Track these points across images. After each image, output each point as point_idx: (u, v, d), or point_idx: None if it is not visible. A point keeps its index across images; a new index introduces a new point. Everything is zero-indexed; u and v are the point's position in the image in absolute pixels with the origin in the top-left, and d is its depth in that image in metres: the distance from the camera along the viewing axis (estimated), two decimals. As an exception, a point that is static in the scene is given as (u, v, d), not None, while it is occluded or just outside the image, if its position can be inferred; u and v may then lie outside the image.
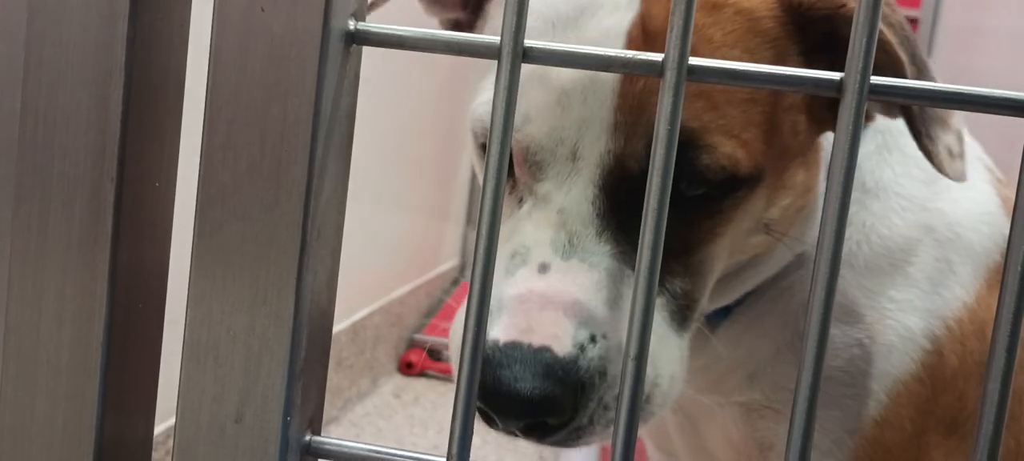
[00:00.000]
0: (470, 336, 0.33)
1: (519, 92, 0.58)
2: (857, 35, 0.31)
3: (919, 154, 0.59)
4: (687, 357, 0.60)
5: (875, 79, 0.31)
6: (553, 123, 0.57)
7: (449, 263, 2.74)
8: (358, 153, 0.37)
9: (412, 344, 2.38)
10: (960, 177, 0.59)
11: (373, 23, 0.34)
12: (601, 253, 0.56)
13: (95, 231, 0.35)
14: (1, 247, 0.35)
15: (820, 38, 0.61)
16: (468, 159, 2.74)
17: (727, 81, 0.33)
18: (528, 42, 0.32)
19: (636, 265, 0.33)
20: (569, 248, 0.56)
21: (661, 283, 0.58)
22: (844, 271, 0.68)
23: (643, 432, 0.87)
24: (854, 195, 0.68)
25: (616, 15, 0.58)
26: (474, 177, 2.74)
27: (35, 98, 0.34)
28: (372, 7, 0.72)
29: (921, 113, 0.58)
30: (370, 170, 2.01)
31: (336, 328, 1.94)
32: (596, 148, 0.57)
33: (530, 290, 0.55)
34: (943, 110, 0.59)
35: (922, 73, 0.59)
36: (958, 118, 0.60)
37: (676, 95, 0.31)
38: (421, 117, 2.36)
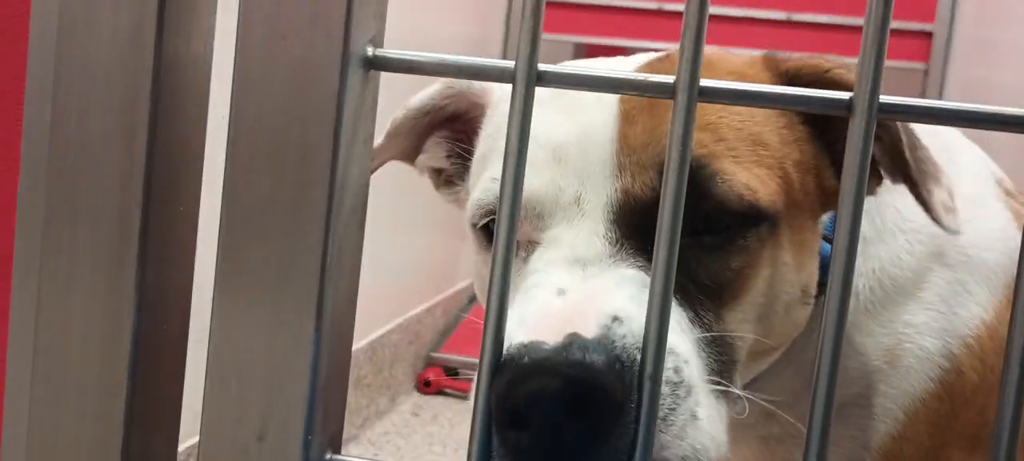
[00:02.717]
0: (487, 357, 0.34)
1: None
2: (866, 54, 0.31)
3: None
4: (726, 425, 0.56)
5: (884, 98, 0.31)
6: (551, 175, 0.58)
7: (466, 281, 2.74)
8: (375, 173, 0.38)
9: (430, 362, 2.39)
10: (956, 230, 0.60)
11: (390, 49, 0.35)
12: (620, 265, 0.55)
13: (122, 254, 0.36)
14: (30, 270, 0.36)
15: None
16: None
17: (738, 102, 0.33)
18: (541, 66, 0.33)
19: (651, 280, 0.33)
20: (583, 270, 0.55)
21: (698, 319, 0.57)
22: (859, 317, 0.68)
23: None
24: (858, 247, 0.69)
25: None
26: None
27: (64, 125, 0.35)
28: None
29: (917, 167, 0.60)
30: (387, 189, 2.02)
31: (354, 347, 1.95)
32: (603, 191, 0.57)
33: (549, 303, 0.53)
34: (934, 168, 0.61)
35: (912, 136, 0.61)
36: (946, 177, 0.62)
37: (688, 116, 0.32)
38: (437, 136, 2.36)
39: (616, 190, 0.57)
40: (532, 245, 0.59)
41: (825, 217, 0.67)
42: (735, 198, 0.56)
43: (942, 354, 0.67)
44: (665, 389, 0.50)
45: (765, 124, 0.60)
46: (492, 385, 0.49)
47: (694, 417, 0.51)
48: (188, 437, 0.51)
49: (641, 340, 0.47)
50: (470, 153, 0.73)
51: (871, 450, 0.67)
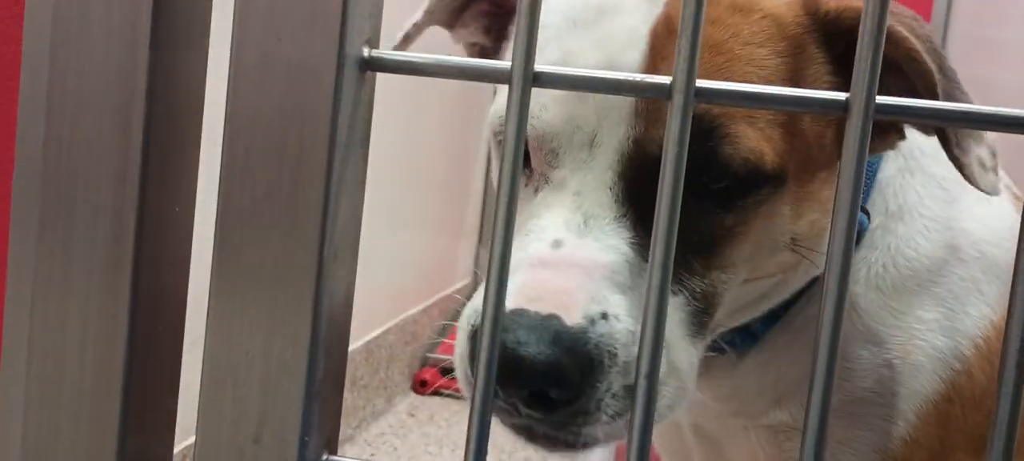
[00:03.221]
0: (485, 356, 0.34)
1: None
2: (862, 55, 0.31)
3: (941, 175, 0.59)
4: (697, 366, 0.59)
5: (881, 98, 0.31)
6: (570, 111, 0.57)
7: (462, 281, 2.74)
8: (371, 173, 0.38)
9: (426, 362, 2.39)
10: (993, 190, 0.58)
11: (385, 50, 0.35)
12: (618, 238, 0.55)
13: (117, 255, 0.35)
14: (25, 272, 0.36)
15: (846, 47, 0.61)
16: (481, 177, 2.75)
17: (736, 102, 0.33)
18: (538, 67, 0.32)
19: (649, 266, 0.33)
20: (584, 228, 0.55)
21: (678, 280, 0.56)
22: (871, 294, 0.68)
23: (661, 446, 0.87)
24: (878, 219, 0.68)
25: (639, 13, 0.58)
26: (487, 196, 2.75)
27: (58, 126, 0.35)
28: (406, 42, 0.75)
29: (955, 130, 0.57)
30: (383, 190, 2.02)
31: (350, 347, 1.95)
32: (616, 134, 0.56)
33: (541, 259, 0.53)
34: None
35: (951, 84, 0.59)
36: (991, 133, 0.59)
37: (684, 118, 0.32)
38: (433, 137, 2.37)
39: (628, 138, 0.56)
40: (541, 178, 0.59)
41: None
42: (740, 161, 0.56)
43: (953, 354, 0.67)
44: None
45: (787, 79, 0.59)
46: (468, 343, 0.53)
47: (664, 384, 0.55)
48: (184, 439, 0.51)
49: (618, 342, 0.51)
50: (509, 30, 0.71)
51: (882, 452, 0.67)
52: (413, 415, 2.17)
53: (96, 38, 0.34)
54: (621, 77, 0.34)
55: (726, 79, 0.56)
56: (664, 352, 0.53)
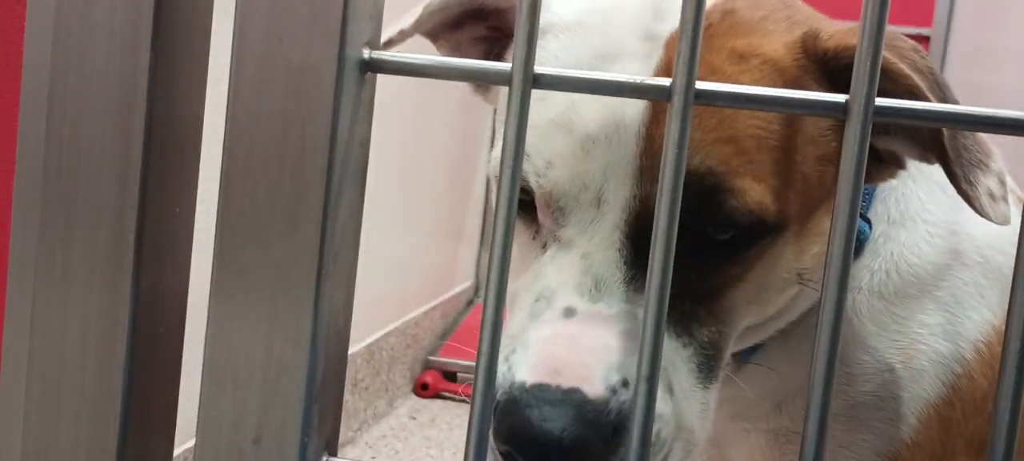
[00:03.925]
0: (483, 361, 0.34)
1: (543, 138, 0.59)
2: (861, 57, 0.31)
3: (944, 180, 0.59)
4: (713, 410, 0.59)
5: (880, 101, 0.31)
6: (577, 168, 0.56)
7: (464, 284, 2.74)
8: (372, 176, 0.38)
9: (427, 365, 2.39)
10: (1004, 221, 0.57)
11: (387, 51, 0.35)
12: (630, 301, 0.55)
13: (118, 257, 0.36)
14: (26, 273, 0.36)
15: (846, 86, 0.61)
16: (482, 180, 2.75)
17: (735, 105, 0.33)
18: (539, 68, 0.33)
19: (645, 298, 0.33)
20: (595, 293, 0.55)
21: (688, 332, 0.57)
22: (874, 301, 0.68)
23: None
24: (881, 227, 0.68)
25: (639, 61, 0.58)
26: (488, 198, 2.75)
27: (59, 127, 0.35)
28: (389, 45, 0.73)
29: (958, 158, 0.57)
30: (385, 192, 2.02)
31: (352, 350, 1.95)
32: (622, 193, 0.56)
33: (556, 333, 0.53)
34: (982, 153, 0.58)
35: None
36: (998, 161, 0.59)
37: (684, 120, 0.32)
38: (435, 139, 2.37)
39: (634, 198, 0.56)
40: (549, 234, 0.58)
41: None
42: (744, 213, 0.56)
43: (955, 358, 0.67)
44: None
45: (788, 126, 0.58)
46: (494, 417, 0.53)
47: (671, 452, 0.55)
48: (184, 440, 0.51)
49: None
50: (506, 54, 0.71)
51: (883, 456, 0.67)
52: (414, 418, 2.17)
53: (98, 39, 0.35)
54: (622, 80, 0.34)
55: (730, 133, 0.56)
56: (673, 406, 0.54)
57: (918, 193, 0.70)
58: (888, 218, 0.69)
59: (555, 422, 0.50)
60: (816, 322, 0.68)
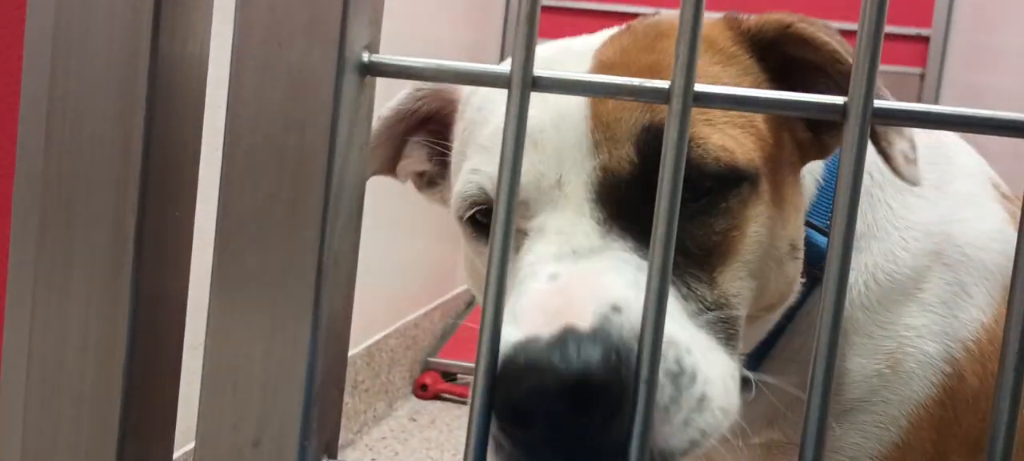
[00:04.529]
0: (483, 361, 0.34)
1: (492, 149, 0.61)
2: (860, 59, 0.31)
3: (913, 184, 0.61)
4: (738, 377, 0.56)
5: (879, 102, 0.31)
6: (530, 161, 0.58)
7: (464, 285, 2.74)
8: (372, 178, 0.38)
9: (427, 367, 2.39)
10: (915, 181, 0.60)
11: (386, 55, 0.35)
12: (612, 248, 0.55)
13: (117, 260, 0.36)
14: (26, 276, 0.36)
15: (779, 61, 0.63)
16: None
17: (733, 107, 0.33)
18: (537, 71, 0.33)
19: (649, 269, 0.33)
20: (574, 256, 0.55)
21: (688, 286, 0.56)
22: (857, 314, 0.68)
23: None
24: None
25: (575, 68, 0.61)
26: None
27: (60, 130, 0.35)
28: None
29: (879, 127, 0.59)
30: (384, 194, 2.02)
31: (351, 352, 1.95)
32: (583, 169, 0.57)
33: (540, 291, 0.52)
34: None
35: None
36: (910, 129, 0.61)
37: (682, 122, 0.32)
38: (434, 141, 2.37)
39: (594, 168, 0.57)
40: (521, 235, 0.59)
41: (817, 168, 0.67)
42: (711, 160, 0.57)
43: (944, 359, 0.67)
44: (665, 380, 0.49)
45: (729, 82, 0.61)
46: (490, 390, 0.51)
47: (702, 399, 0.50)
48: (184, 443, 0.51)
49: (637, 327, 0.47)
50: (449, 150, 0.73)
51: (876, 458, 0.67)
52: (414, 419, 2.17)
53: (97, 42, 0.35)
54: (619, 82, 0.34)
55: None
56: (692, 367, 0.50)
57: (887, 200, 0.70)
58: (857, 230, 0.69)
59: (552, 359, 0.45)
60: (800, 345, 0.69)
